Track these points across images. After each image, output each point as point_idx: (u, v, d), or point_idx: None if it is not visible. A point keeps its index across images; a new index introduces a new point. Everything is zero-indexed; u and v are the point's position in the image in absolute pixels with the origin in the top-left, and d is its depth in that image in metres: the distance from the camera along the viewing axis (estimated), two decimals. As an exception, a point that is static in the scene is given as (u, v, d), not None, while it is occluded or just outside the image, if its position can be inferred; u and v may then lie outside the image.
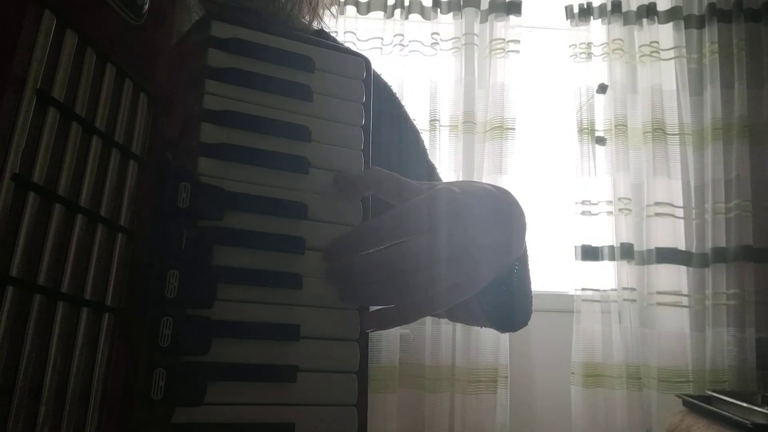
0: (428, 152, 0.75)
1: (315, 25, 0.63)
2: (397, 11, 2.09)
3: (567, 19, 2.15)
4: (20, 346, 0.27)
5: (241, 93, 0.42)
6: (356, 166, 0.46)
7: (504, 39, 2.09)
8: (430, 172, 0.71)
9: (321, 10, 0.63)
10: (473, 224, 0.46)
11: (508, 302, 0.56)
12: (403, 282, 0.43)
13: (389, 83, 0.72)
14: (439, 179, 0.70)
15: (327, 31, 0.66)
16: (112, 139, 0.34)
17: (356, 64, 0.48)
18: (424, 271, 0.43)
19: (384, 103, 0.49)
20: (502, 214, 0.51)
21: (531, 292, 0.62)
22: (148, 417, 0.34)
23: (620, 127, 2.05)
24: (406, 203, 0.45)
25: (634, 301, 1.97)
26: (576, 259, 2.02)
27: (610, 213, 2.03)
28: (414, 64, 2.05)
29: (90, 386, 0.31)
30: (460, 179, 2.02)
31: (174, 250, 0.36)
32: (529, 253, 0.60)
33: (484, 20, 2.13)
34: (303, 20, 0.61)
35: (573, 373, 1.94)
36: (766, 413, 1.36)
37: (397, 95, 0.71)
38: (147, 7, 0.36)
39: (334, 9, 0.64)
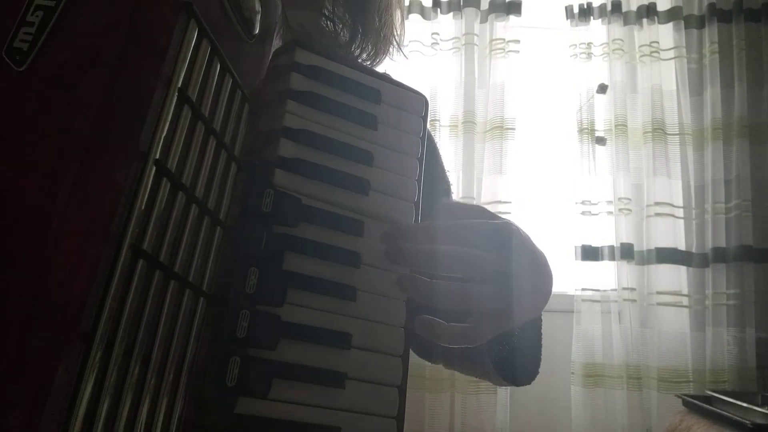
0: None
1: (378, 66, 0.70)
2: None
3: (567, 19, 2.15)
4: (141, 315, 0.30)
5: (316, 115, 0.45)
6: (411, 194, 0.49)
7: (504, 39, 2.09)
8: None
9: (383, 56, 0.69)
10: (528, 266, 0.49)
11: (514, 356, 0.58)
12: (477, 323, 0.45)
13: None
14: None
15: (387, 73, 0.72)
16: (223, 141, 0.38)
17: (417, 101, 0.52)
18: (487, 294, 0.45)
19: (426, 150, 0.53)
20: (544, 269, 0.53)
21: (540, 352, 0.64)
22: (218, 401, 0.36)
23: (620, 127, 2.05)
24: (474, 221, 0.47)
25: (634, 301, 1.97)
26: (576, 259, 2.02)
27: (610, 213, 2.03)
28: (414, 64, 2.05)
29: (183, 363, 0.34)
30: (459, 179, 2.02)
31: (255, 250, 0.40)
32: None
33: (484, 20, 2.13)
34: (367, 58, 0.68)
35: (573, 373, 1.94)
36: (766, 413, 1.36)
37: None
38: (258, 28, 0.42)
39: (398, 56, 0.72)
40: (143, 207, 0.29)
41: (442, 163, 0.74)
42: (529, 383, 0.64)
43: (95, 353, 0.26)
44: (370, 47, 0.67)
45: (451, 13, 2.13)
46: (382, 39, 0.67)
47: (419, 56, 2.07)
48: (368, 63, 0.68)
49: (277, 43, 0.48)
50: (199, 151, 0.35)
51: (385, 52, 0.69)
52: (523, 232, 0.50)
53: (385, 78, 0.51)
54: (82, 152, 0.28)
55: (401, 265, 0.46)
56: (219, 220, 0.38)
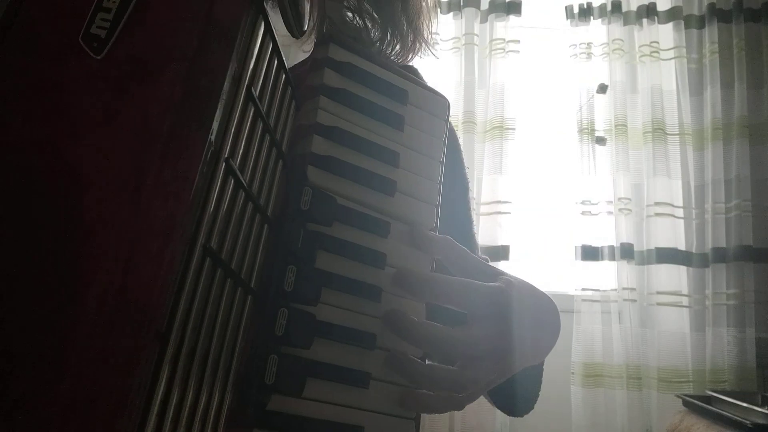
0: None
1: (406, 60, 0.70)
2: (397, 11, 2.08)
3: (567, 19, 2.15)
4: (204, 314, 0.30)
5: (348, 113, 0.45)
6: (434, 197, 0.49)
7: (504, 39, 2.09)
8: (470, 224, 0.73)
9: (413, 54, 0.70)
10: (527, 329, 0.48)
11: (513, 390, 0.59)
12: (465, 367, 0.44)
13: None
14: (474, 233, 0.73)
15: (415, 67, 0.72)
16: (276, 139, 0.39)
17: (441, 105, 0.53)
18: (482, 362, 0.44)
19: (449, 147, 0.53)
20: (545, 322, 0.53)
21: (539, 389, 0.64)
22: (254, 398, 0.37)
23: (620, 127, 2.05)
24: (481, 284, 0.46)
25: (634, 301, 1.97)
26: (576, 259, 2.02)
27: (610, 213, 2.03)
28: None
29: (232, 359, 0.34)
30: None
31: (293, 247, 0.40)
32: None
33: (484, 20, 2.13)
34: (394, 55, 0.68)
35: (573, 373, 1.94)
36: (766, 413, 1.36)
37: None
38: (307, 26, 0.42)
39: (427, 52, 0.72)
40: (214, 206, 0.30)
41: (462, 160, 0.73)
42: (523, 416, 0.64)
43: (169, 353, 0.27)
44: (398, 47, 0.67)
45: (451, 13, 2.13)
46: (410, 42, 0.68)
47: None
48: (398, 60, 0.68)
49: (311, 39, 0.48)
50: (257, 149, 0.35)
51: (414, 51, 0.69)
52: (523, 287, 0.49)
53: (412, 79, 0.51)
54: (162, 148, 0.27)
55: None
56: (268, 218, 0.38)
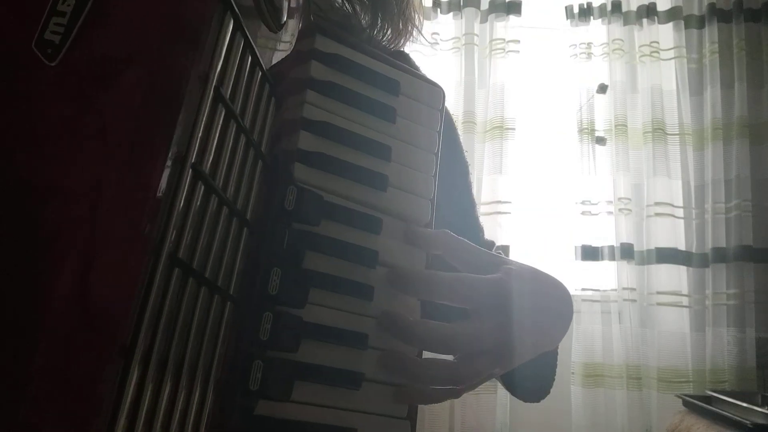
0: None
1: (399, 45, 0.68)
2: (397, 11, 2.09)
3: (567, 19, 2.15)
4: (174, 324, 0.29)
5: (336, 107, 0.44)
6: (428, 191, 0.47)
7: (504, 39, 2.10)
8: (473, 207, 0.72)
9: (405, 39, 0.67)
10: (529, 319, 0.47)
11: (525, 376, 0.57)
12: (464, 361, 0.43)
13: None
14: (478, 216, 0.72)
15: (407, 53, 0.70)
16: (252, 139, 0.37)
17: (435, 94, 0.50)
18: (482, 356, 0.43)
19: (447, 130, 0.51)
20: (558, 312, 0.51)
21: (554, 376, 0.62)
22: (240, 404, 0.36)
23: (620, 127, 2.05)
24: (479, 277, 0.45)
25: (634, 301, 1.97)
26: (576, 259, 2.02)
27: (610, 213, 2.03)
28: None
29: (211, 368, 0.33)
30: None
31: (277, 249, 0.38)
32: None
33: (484, 20, 2.13)
34: (385, 41, 0.66)
35: (573, 373, 1.94)
36: (766, 413, 1.36)
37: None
38: (285, 19, 0.39)
39: (420, 37, 0.70)
40: (180, 213, 0.29)
41: (460, 143, 0.72)
42: (538, 401, 0.63)
43: (134, 366, 0.26)
44: (389, 33, 0.66)
45: (451, 13, 2.13)
46: (401, 27, 0.66)
47: (419, 56, 2.07)
48: (390, 47, 0.66)
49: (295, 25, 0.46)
50: (231, 151, 0.34)
51: (405, 36, 0.67)
52: (524, 276, 0.48)
53: (404, 68, 0.49)
54: (124, 156, 0.26)
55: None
56: (246, 221, 0.37)
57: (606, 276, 2.00)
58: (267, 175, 0.40)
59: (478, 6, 2.12)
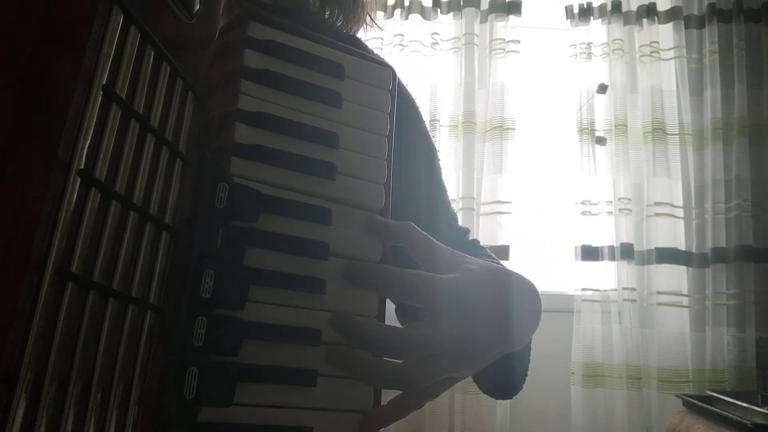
0: None
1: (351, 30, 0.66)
2: (397, 11, 2.09)
3: (567, 19, 2.15)
4: (75, 341, 0.27)
5: (275, 96, 0.42)
6: (381, 176, 0.46)
7: (504, 39, 2.09)
8: (442, 194, 0.71)
9: (358, 25, 0.66)
10: (491, 319, 0.45)
11: (491, 374, 0.55)
12: (414, 364, 0.41)
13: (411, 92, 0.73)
14: (449, 203, 0.70)
15: (359, 37, 0.69)
16: (164, 137, 0.34)
17: (383, 75, 0.49)
18: (436, 360, 0.41)
19: (404, 114, 0.50)
20: (528, 313, 0.50)
21: (525, 366, 0.60)
22: (178, 414, 0.35)
23: (620, 127, 2.05)
24: (436, 276, 0.43)
25: (634, 301, 1.97)
26: (576, 259, 2.02)
27: (610, 213, 2.03)
28: (414, 64, 2.05)
29: (132, 382, 0.31)
30: (459, 179, 2.02)
31: (210, 250, 0.37)
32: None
33: (484, 20, 2.13)
34: (337, 25, 0.64)
35: (573, 373, 1.94)
36: (766, 413, 1.36)
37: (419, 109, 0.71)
38: (198, 6, 0.37)
39: (378, 20, 0.68)
40: (68, 223, 0.27)
41: (425, 128, 0.70)
42: (509, 398, 0.62)
43: (20, 393, 0.24)
44: (341, 17, 0.64)
45: (451, 13, 2.13)
46: (352, 9, 0.65)
47: (419, 56, 2.07)
48: (345, 31, 0.65)
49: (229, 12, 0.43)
50: (135, 153, 0.32)
51: (357, 21, 0.66)
52: (485, 275, 0.46)
53: (349, 50, 0.47)
54: None
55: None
56: (165, 225, 0.34)
57: (606, 276, 2.00)
58: (195, 174, 0.38)
59: (478, 6, 2.12)
